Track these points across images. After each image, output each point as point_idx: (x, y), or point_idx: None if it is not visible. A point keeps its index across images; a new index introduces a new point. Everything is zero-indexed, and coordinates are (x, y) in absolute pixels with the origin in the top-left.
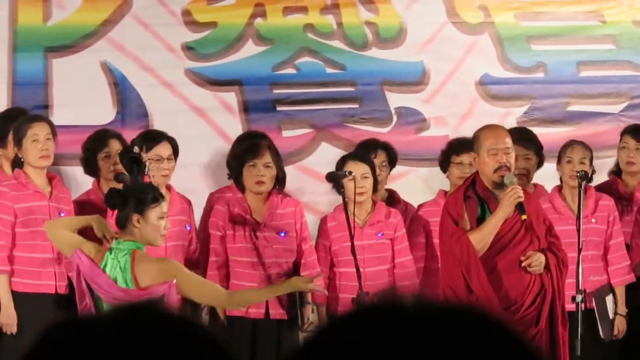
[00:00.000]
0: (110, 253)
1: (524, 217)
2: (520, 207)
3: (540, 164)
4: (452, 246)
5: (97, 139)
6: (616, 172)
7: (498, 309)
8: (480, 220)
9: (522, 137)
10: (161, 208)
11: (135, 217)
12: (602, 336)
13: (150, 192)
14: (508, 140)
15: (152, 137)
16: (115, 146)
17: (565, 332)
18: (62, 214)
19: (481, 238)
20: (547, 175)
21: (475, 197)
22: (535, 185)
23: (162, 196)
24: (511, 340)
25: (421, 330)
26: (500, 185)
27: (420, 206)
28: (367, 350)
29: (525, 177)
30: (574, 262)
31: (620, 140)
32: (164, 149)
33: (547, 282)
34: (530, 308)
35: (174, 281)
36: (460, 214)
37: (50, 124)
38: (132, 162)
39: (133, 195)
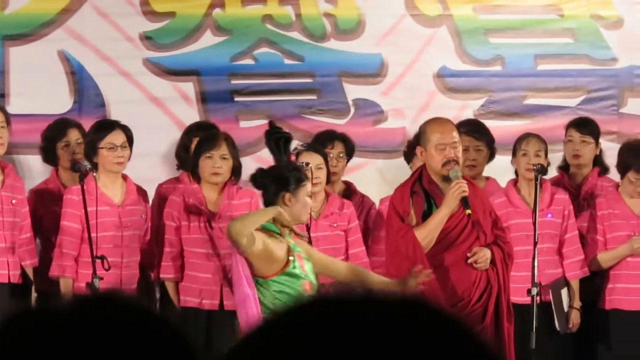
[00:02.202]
0: None
1: (468, 212)
2: (464, 202)
3: (491, 156)
4: (399, 242)
5: (57, 128)
6: (563, 167)
7: (445, 305)
8: (426, 216)
9: (474, 128)
10: (307, 186)
11: (287, 195)
12: (557, 329)
13: (300, 171)
14: (455, 134)
15: (105, 126)
16: (74, 135)
17: (511, 326)
18: (14, 202)
19: (426, 234)
20: (503, 169)
21: (422, 192)
22: (487, 178)
23: (306, 175)
24: (460, 332)
25: (371, 322)
26: (448, 179)
27: (381, 200)
28: (317, 340)
29: (475, 168)
30: (530, 255)
31: (566, 134)
32: (117, 137)
33: (492, 278)
34: (477, 304)
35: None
36: (406, 210)
37: (4, 112)
38: (279, 141)
39: (284, 175)
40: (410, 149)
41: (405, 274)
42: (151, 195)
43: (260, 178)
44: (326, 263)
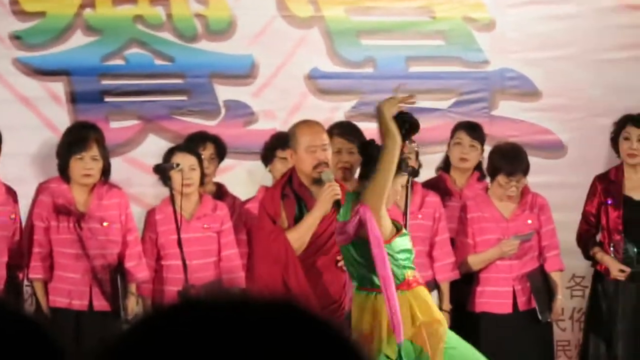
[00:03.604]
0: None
1: None
2: (337, 205)
3: None
4: (270, 245)
5: None
6: (444, 168)
7: (317, 308)
8: (298, 220)
9: (346, 130)
10: (405, 178)
11: None
12: None
13: (405, 162)
14: (325, 137)
15: None
16: None
17: None
18: None
19: (299, 236)
20: None
21: (293, 195)
22: None
23: (408, 168)
24: (332, 335)
25: (241, 325)
26: (319, 181)
27: (242, 203)
28: (184, 344)
29: (348, 170)
30: None
31: (453, 136)
32: None
33: None
34: (347, 308)
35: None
36: (277, 212)
37: None
38: (405, 124)
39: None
40: (269, 152)
41: (276, 277)
42: (21, 195)
43: (369, 150)
44: None
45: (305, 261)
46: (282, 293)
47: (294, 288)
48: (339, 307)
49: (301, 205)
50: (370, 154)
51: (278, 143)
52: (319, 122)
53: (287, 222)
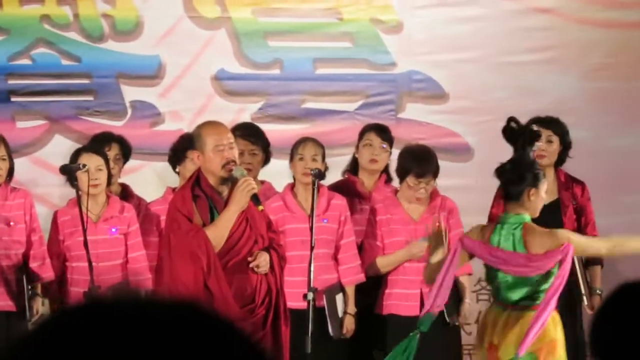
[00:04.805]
0: (502, 228)
1: (260, 207)
2: (255, 199)
3: (266, 160)
4: (189, 243)
5: None
6: (351, 170)
7: (235, 307)
8: (210, 220)
9: (249, 132)
10: (545, 183)
11: (532, 190)
12: (331, 334)
13: (540, 167)
14: (230, 136)
15: None
16: None
17: (287, 330)
18: None
19: (217, 233)
20: (281, 173)
21: (205, 196)
22: (262, 182)
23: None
24: (236, 338)
25: (148, 326)
26: (227, 181)
27: (149, 204)
28: (88, 345)
29: (250, 172)
30: (306, 260)
31: (362, 137)
32: None
33: (272, 281)
34: (260, 308)
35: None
36: (191, 212)
37: None
38: (521, 135)
39: (530, 170)
40: (180, 153)
41: (198, 276)
42: None
43: (506, 173)
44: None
45: (219, 261)
46: (201, 292)
47: (214, 288)
48: (255, 307)
49: (211, 206)
50: (509, 177)
51: (189, 143)
52: (221, 122)
53: (201, 222)
